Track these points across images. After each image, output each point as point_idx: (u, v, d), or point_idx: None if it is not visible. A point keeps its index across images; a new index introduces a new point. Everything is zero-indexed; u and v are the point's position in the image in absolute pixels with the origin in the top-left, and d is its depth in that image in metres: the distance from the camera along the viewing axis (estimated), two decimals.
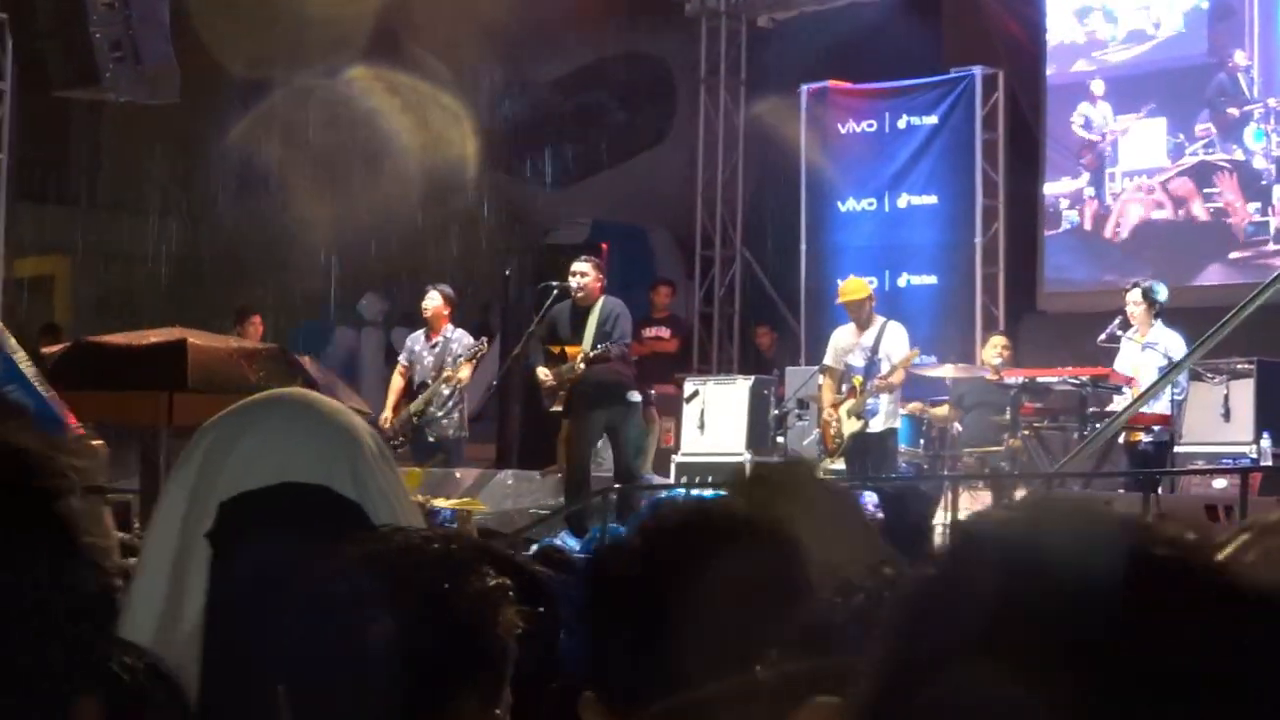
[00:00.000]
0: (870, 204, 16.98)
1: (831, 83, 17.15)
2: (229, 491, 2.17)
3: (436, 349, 13.86)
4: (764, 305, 18.14)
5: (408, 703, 1.85)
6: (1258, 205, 15.03)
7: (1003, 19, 16.85)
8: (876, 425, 12.97)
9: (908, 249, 16.66)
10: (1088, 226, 16.13)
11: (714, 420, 15.05)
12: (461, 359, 13.70)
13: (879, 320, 13.26)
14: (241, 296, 17.13)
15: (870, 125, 17.01)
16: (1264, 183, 14.99)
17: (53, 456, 1.51)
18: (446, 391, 13.73)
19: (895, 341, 13.11)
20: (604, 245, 15.50)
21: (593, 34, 18.22)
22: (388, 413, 13.82)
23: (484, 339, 14.06)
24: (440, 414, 13.78)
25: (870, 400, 12.94)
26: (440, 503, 11.11)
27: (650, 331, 16.75)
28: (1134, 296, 12.57)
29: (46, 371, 4.93)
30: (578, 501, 12.37)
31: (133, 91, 13.19)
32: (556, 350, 12.77)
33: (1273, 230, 14.95)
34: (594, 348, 12.50)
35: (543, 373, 12.78)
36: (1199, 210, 15.39)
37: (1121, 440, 12.02)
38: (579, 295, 12.76)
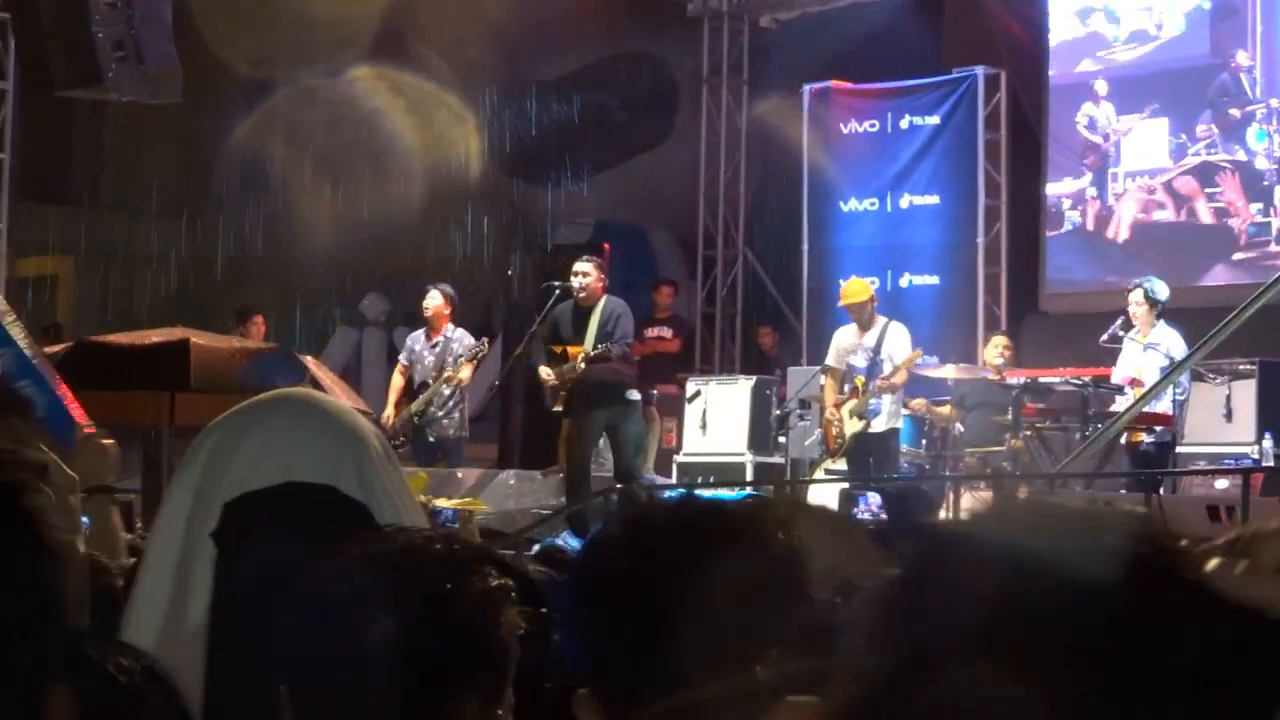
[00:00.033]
0: (872, 204, 16.98)
1: (834, 83, 17.15)
2: (234, 491, 2.17)
3: (437, 349, 13.86)
4: (766, 305, 18.14)
5: (409, 702, 1.85)
6: (1260, 206, 15.02)
7: (1005, 19, 16.85)
8: (879, 425, 12.97)
9: (910, 249, 16.65)
10: (1090, 227, 16.12)
11: (716, 420, 15.05)
12: (462, 359, 13.70)
13: (881, 320, 13.26)
14: (244, 296, 17.13)
15: (872, 125, 17.01)
16: (1266, 183, 14.98)
17: (16, 451, 1.51)
18: (447, 391, 13.74)
19: (897, 342, 13.11)
20: (606, 245, 15.50)
21: (595, 34, 18.22)
22: (389, 411, 13.83)
23: (485, 339, 14.05)
24: (441, 414, 13.78)
25: (872, 400, 12.94)
26: (442, 503, 11.11)
27: (652, 331, 16.75)
28: (1136, 297, 12.57)
29: (10, 385, 4.93)
30: (578, 501, 12.36)
31: (135, 91, 13.19)
32: (558, 350, 12.77)
33: (1274, 231, 14.94)
34: (595, 347, 12.50)
35: (545, 372, 12.79)
36: (1201, 211, 15.39)
37: (1123, 440, 12.01)
38: (581, 295, 12.76)
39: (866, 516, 11.52)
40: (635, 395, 12.69)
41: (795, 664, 1.54)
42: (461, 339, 13.87)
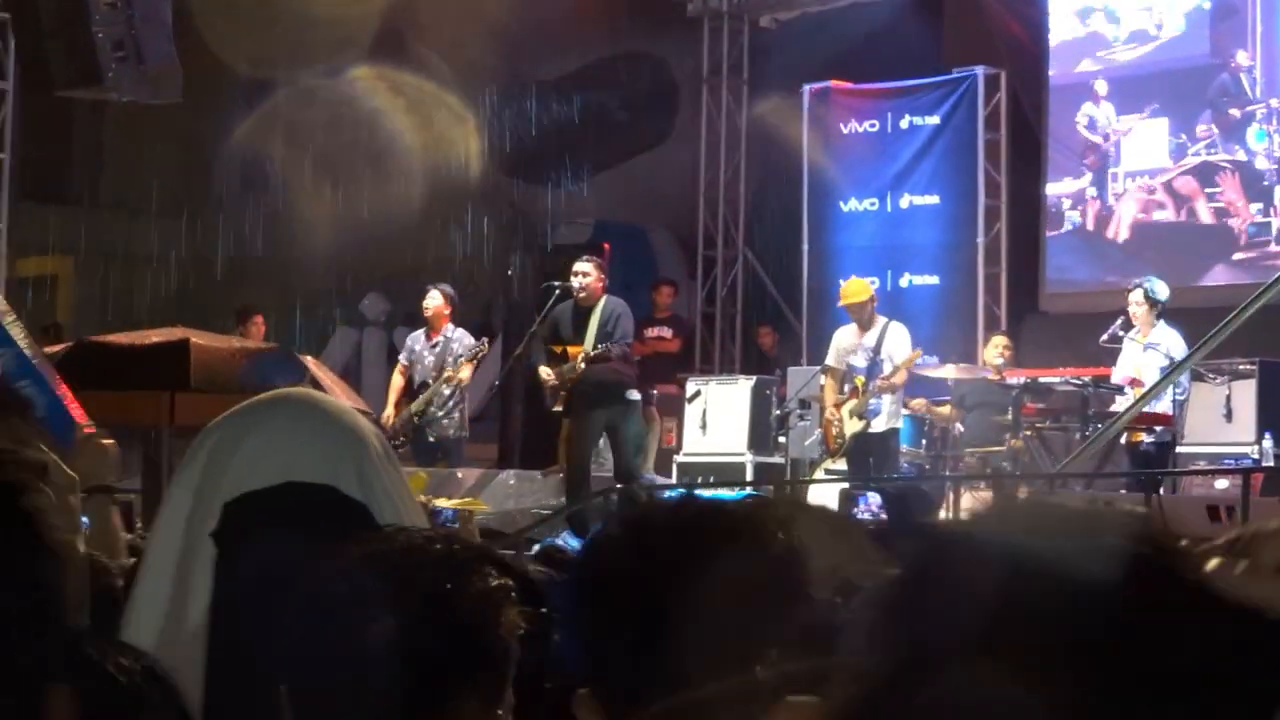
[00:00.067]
0: (872, 204, 16.98)
1: (834, 83, 17.15)
2: (234, 491, 2.17)
3: (437, 349, 13.86)
4: (766, 305, 18.14)
5: (409, 703, 1.85)
6: (1260, 206, 15.02)
7: (1005, 19, 16.85)
8: (879, 425, 12.97)
9: (910, 249, 16.65)
10: (1090, 227, 16.12)
11: (716, 420, 15.05)
12: (462, 359, 13.71)
13: (881, 320, 13.26)
14: (244, 296, 17.13)
15: (872, 125, 17.01)
16: (1266, 183, 14.98)
17: (16, 451, 1.51)
18: (447, 391, 13.74)
19: (897, 342, 13.11)
20: (606, 245, 15.50)
21: (595, 34, 18.22)
22: (389, 410, 13.84)
23: (485, 339, 14.06)
24: (441, 414, 13.79)
25: (872, 400, 12.94)
26: (442, 503, 11.10)
27: (652, 331, 16.75)
28: (1136, 297, 12.57)
29: (10, 384, 4.92)
30: (578, 501, 12.37)
31: (135, 91, 13.19)
32: (559, 350, 12.78)
33: (1275, 231, 14.94)
34: (595, 347, 12.51)
35: (545, 372, 12.80)
36: (1201, 211, 15.39)
37: (1123, 440, 12.01)
38: (581, 295, 12.76)
39: (866, 517, 11.53)
40: (635, 395, 12.69)
41: (795, 664, 1.54)
42: (461, 339, 13.87)
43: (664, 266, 18.87)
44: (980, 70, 16.31)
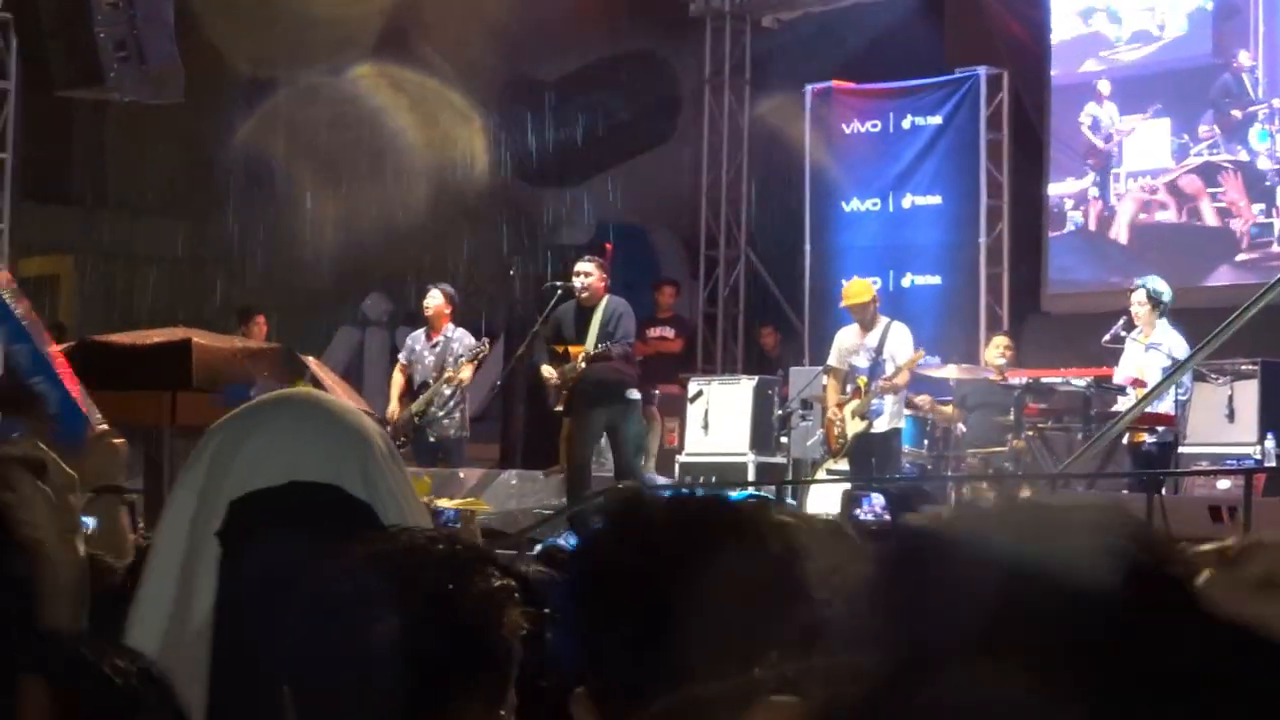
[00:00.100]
0: (874, 204, 16.97)
1: (836, 83, 17.15)
2: (238, 491, 2.17)
3: (437, 348, 13.87)
4: (768, 305, 18.13)
5: (412, 703, 1.85)
6: (1262, 206, 15.02)
7: (1006, 19, 16.84)
8: (881, 425, 12.97)
9: (912, 249, 16.65)
10: (1092, 227, 16.12)
11: (718, 420, 15.04)
12: (463, 359, 13.72)
13: (883, 320, 13.26)
14: (245, 296, 17.14)
15: (874, 125, 17.00)
16: (1268, 184, 14.97)
17: None
18: (448, 391, 13.75)
19: (900, 342, 13.11)
20: (608, 245, 15.49)
21: (597, 35, 18.22)
22: (394, 406, 13.87)
23: (485, 340, 14.06)
24: (441, 414, 13.80)
25: (875, 401, 12.94)
26: (444, 503, 11.10)
27: (655, 331, 16.75)
28: (1138, 297, 12.56)
29: (25, 380, 4.93)
30: (579, 501, 12.37)
31: (137, 91, 13.19)
32: (561, 350, 12.79)
33: (1277, 231, 14.93)
34: (596, 347, 12.52)
35: (547, 370, 12.83)
36: (1203, 211, 15.38)
37: (1125, 441, 12.01)
38: (583, 295, 12.77)
39: (869, 517, 11.52)
40: (635, 395, 12.69)
41: (795, 664, 1.54)
42: (462, 339, 13.88)
43: (666, 266, 18.87)
44: (982, 70, 16.30)
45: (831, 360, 13.38)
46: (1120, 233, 15.92)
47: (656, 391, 15.47)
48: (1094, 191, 16.08)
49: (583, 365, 12.49)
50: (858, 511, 11.65)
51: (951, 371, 13.73)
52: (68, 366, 4.76)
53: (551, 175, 18.79)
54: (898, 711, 1.00)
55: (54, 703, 1.48)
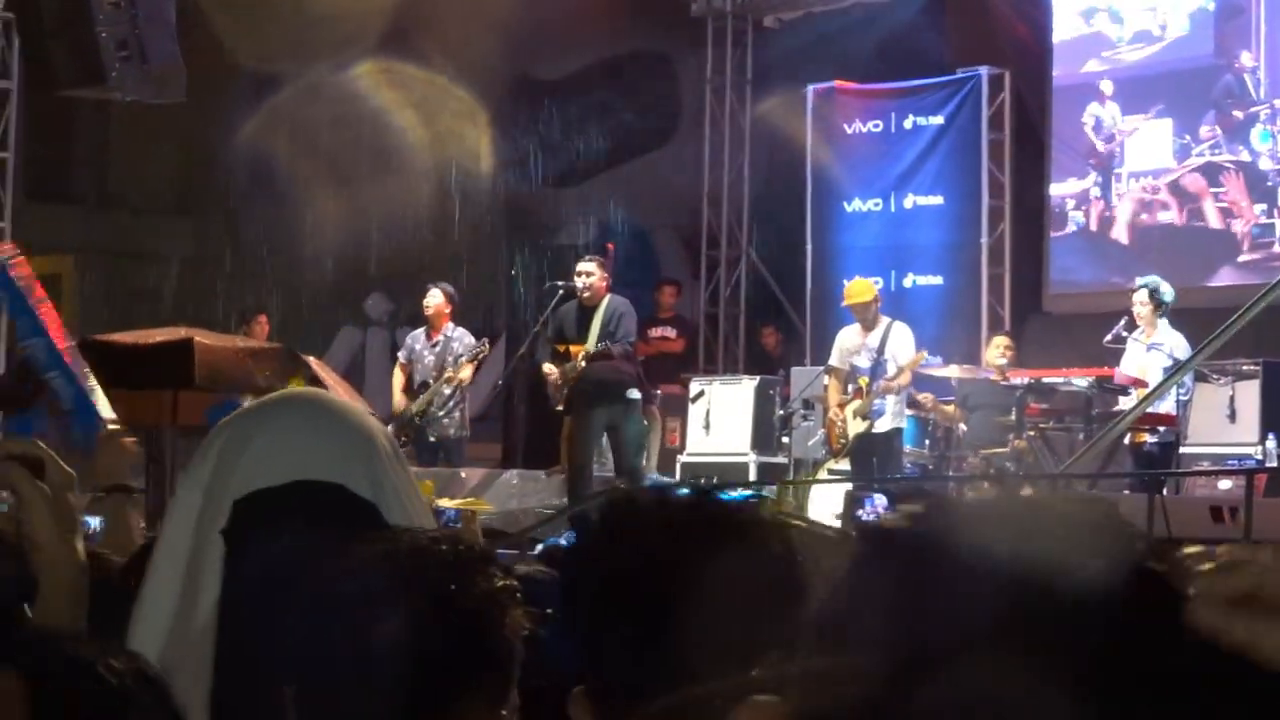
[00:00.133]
0: (876, 204, 16.96)
1: (837, 83, 17.14)
2: (243, 489, 2.17)
3: (437, 348, 13.89)
4: (769, 305, 18.12)
5: (414, 703, 1.85)
6: (1264, 207, 15.01)
7: (1008, 19, 16.83)
8: (882, 425, 12.97)
9: (913, 249, 16.64)
10: (1093, 227, 16.11)
11: (719, 420, 15.05)
12: (463, 359, 13.74)
13: (885, 321, 13.26)
14: (247, 296, 17.14)
15: (876, 125, 17.00)
16: (1270, 184, 14.97)
17: None
18: (448, 391, 13.77)
19: (901, 343, 13.11)
20: (610, 245, 15.50)
21: (599, 34, 18.20)
22: (399, 397, 13.92)
23: (485, 340, 14.08)
24: (441, 414, 13.81)
25: (876, 401, 12.94)
26: (445, 502, 11.09)
27: (656, 331, 16.75)
28: (1140, 297, 12.56)
29: (40, 374, 4.95)
30: (579, 500, 12.37)
31: (139, 91, 13.19)
32: (562, 349, 12.81)
33: (1278, 232, 14.93)
34: (597, 346, 12.53)
35: (548, 368, 12.87)
36: (1205, 212, 15.38)
37: (1127, 441, 12.01)
38: (585, 295, 12.78)
39: (872, 519, 11.51)
40: (636, 394, 12.70)
41: (795, 664, 1.54)
42: (461, 338, 13.90)
43: (667, 266, 18.87)
44: (984, 70, 16.30)
45: (833, 360, 13.38)
46: (1122, 233, 15.91)
47: (658, 391, 15.47)
48: (1095, 192, 16.07)
49: (582, 364, 12.50)
50: (860, 513, 11.66)
51: (953, 371, 13.72)
52: (84, 363, 4.77)
53: (553, 175, 18.79)
54: (897, 710, 1.00)
55: (28, 697, 1.48)
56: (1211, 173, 15.28)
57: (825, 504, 12.61)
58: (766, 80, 18.16)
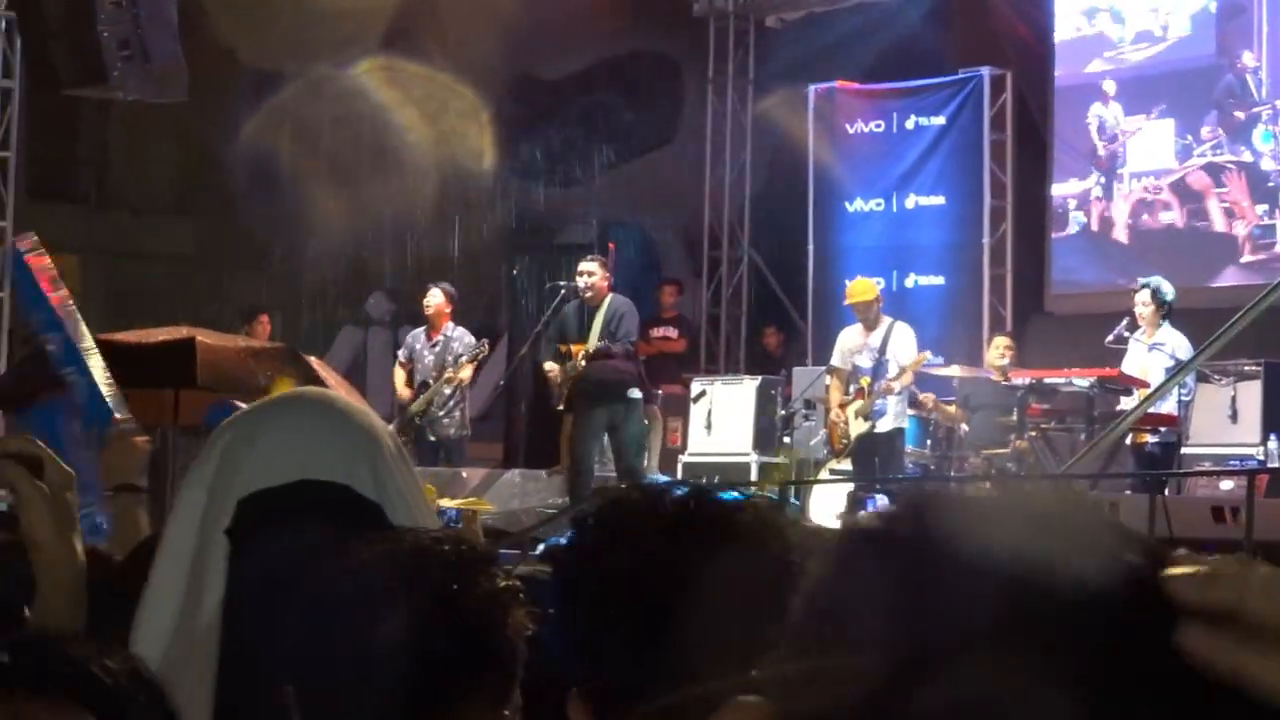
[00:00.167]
0: (878, 204, 16.97)
1: (839, 83, 17.14)
2: (248, 488, 2.17)
3: (437, 348, 13.91)
4: (771, 305, 18.12)
5: (417, 703, 1.85)
6: (1265, 207, 15.01)
7: (1010, 20, 16.83)
8: (884, 426, 12.97)
9: (915, 249, 16.64)
10: (1095, 228, 16.11)
11: (721, 420, 15.05)
12: (463, 359, 13.75)
13: (886, 321, 13.26)
14: (249, 295, 17.15)
15: (878, 125, 17.00)
16: (1271, 184, 14.97)
17: None
18: (448, 391, 13.78)
19: (903, 343, 13.11)
20: (611, 245, 15.51)
21: (601, 34, 18.21)
22: (405, 391, 13.94)
23: (484, 340, 14.10)
24: (441, 413, 13.82)
25: (878, 401, 12.94)
26: (446, 502, 11.10)
27: (658, 331, 16.76)
28: (1142, 297, 12.56)
29: (57, 370, 4.96)
30: (580, 499, 12.37)
31: (141, 90, 13.19)
32: (564, 349, 12.83)
33: None
34: (598, 345, 12.55)
35: (549, 366, 12.89)
36: (1207, 212, 15.37)
37: (1128, 441, 12.00)
38: (587, 295, 12.80)
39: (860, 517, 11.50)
40: (637, 394, 12.70)
41: (795, 664, 1.53)
42: (461, 338, 13.92)
43: (669, 266, 18.87)
44: (986, 71, 16.30)
45: (834, 360, 13.39)
46: (1123, 233, 15.91)
47: (659, 391, 15.48)
48: (1097, 192, 16.07)
49: (582, 364, 12.51)
50: (863, 513, 11.64)
51: (954, 371, 13.73)
52: (101, 359, 4.77)
53: (555, 175, 18.79)
54: (897, 709, 1.00)
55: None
56: (1213, 173, 15.28)
57: (827, 504, 12.62)
58: (768, 80, 18.15)
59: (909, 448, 13.32)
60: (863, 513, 1.13)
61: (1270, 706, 0.96)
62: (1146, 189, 15.76)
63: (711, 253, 18.47)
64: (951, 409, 13.48)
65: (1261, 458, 11.97)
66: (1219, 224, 15.30)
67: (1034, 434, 12.85)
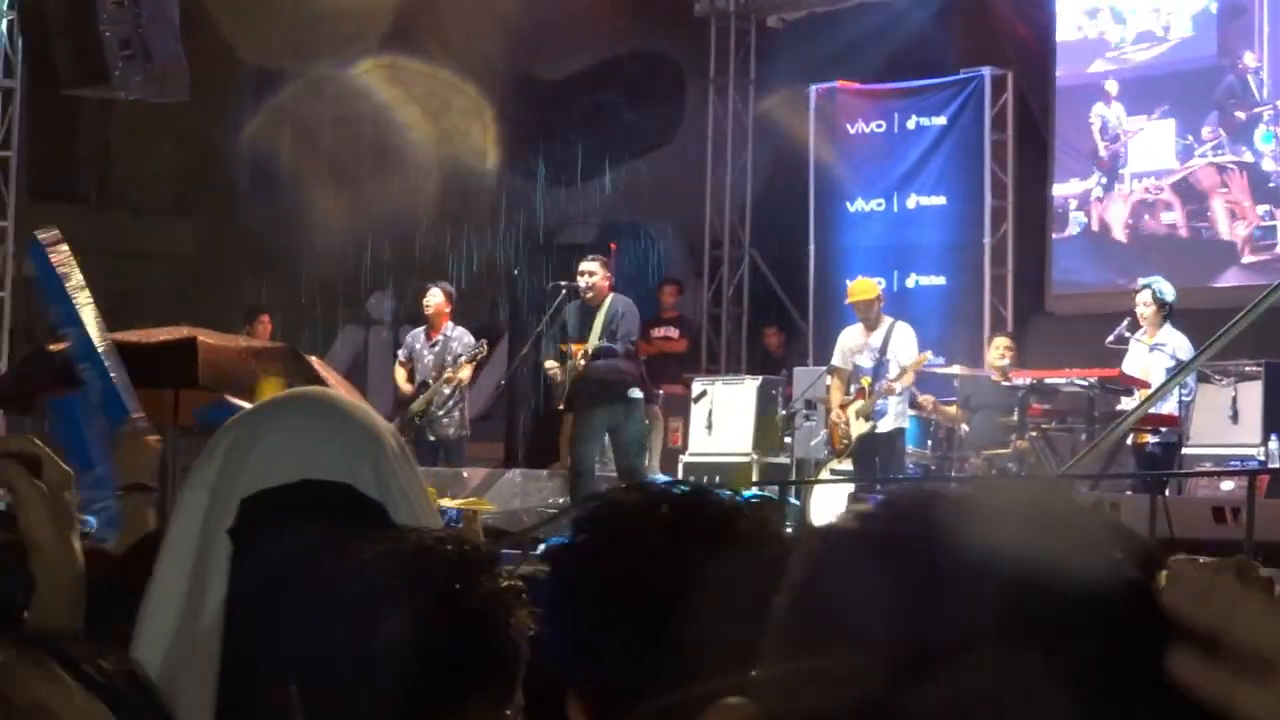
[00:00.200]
0: (879, 204, 16.96)
1: (840, 83, 17.14)
2: (251, 488, 2.17)
3: (437, 348, 13.91)
4: (772, 305, 18.12)
5: (419, 703, 1.85)
6: (1266, 208, 15.00)
7: (1012, 20, 16.83)
8: (885, 426, 12.97)
9: (916, 249, 16.64)
10: (1096, 228, 16.11)
11: (722, 420, 15.05)
12: (462, 359, 13.75)
13: (887, 321, 13.26)
14: (250, 295, 17.14)
15: (879, 125, 17.00)
16: (1272, 185, 14.96)
17: None
18: (447, 391, 13.78)
19: (904, 343, 13.10)
20: (612, 245, 15.51)
21: (602, 33, 18.21)
22: (408, 387, 13.94)
23: (483, 341, 14.10)
24: (441, 413, 13.82)
25: (879, 401, 12.93)
26: (447, 502, 11.10)
27: (658, 331, 16.75)
28: (1144, 298, 12.56)
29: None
30: (580, 499, 12.37)
31: (142, 90, 13.20)
32: (565, 349, 12.83)
33: None
34: (599, 345, 12.55)
35: (550, 364, 12.89)
36: (1208, 213, 15.37)
37: (1129, 441, 12.00)
38: (588, 295, 12.79)
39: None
40: (637, 394, 12.70)
41: (795, 664, 1.53)
42: (461, 338, 13.92)
43: (670, 266, 18.86)
44: (987, 71, 16.30)
45: (835, 360, 13.38)
46: (1124, 234, 15.91)
47: (660, 391, 15.47)
48: (1098, 192, 16.07)
49: (582, 363, 12.52)
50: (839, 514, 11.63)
51: (955, 372, 13.72)
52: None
53: (556, 174, 18.79)
54: (896, 709, 1.00)
55: None
56: (1214, 174, 15.28)
57: (828, 504, 12.61)
58: (769, 80, 18.15)
59: (910, 448, 13.32)
60: (839, 514, 1.12)
61: None
62: (1148, 189, 15.76)
63: (712, 252, 18.47)
64: (952, 409, 13.47)
65: (1262, 458, 11.96)
66: (1220, 224, 15.30)
67: (1034, 434, 12.85)
